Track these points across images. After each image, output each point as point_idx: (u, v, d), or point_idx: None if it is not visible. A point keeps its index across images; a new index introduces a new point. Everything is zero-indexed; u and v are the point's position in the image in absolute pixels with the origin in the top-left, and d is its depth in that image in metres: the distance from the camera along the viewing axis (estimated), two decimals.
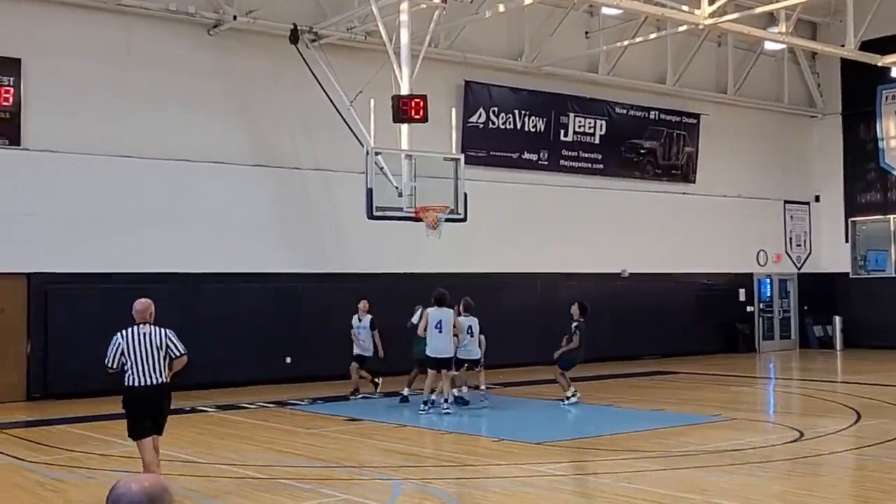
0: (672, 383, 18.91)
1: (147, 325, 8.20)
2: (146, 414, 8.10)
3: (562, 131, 22.75)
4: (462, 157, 16.39)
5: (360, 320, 16.43)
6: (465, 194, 16.06)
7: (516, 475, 9.72)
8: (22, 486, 9.33)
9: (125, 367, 8.08)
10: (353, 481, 9.42)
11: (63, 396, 15.86)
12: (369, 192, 15.14)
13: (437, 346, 14.10)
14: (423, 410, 13.95)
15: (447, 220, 15.76)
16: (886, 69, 22.49)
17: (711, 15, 18.56)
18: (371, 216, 15.22)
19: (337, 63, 18.17)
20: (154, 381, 8.04)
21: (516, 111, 22.04)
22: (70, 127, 16.58)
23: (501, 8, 19.58)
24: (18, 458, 10.69)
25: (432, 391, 14.17)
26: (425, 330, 14.21)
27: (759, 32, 20.45)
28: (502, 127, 21.84)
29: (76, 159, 16.62)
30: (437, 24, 17.22)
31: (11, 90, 16.08)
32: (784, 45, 22.84)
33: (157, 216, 17.27)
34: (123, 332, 8.17)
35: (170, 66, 17.64)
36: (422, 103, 15.49)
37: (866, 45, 22.69)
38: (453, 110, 16.60)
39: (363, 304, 16.48)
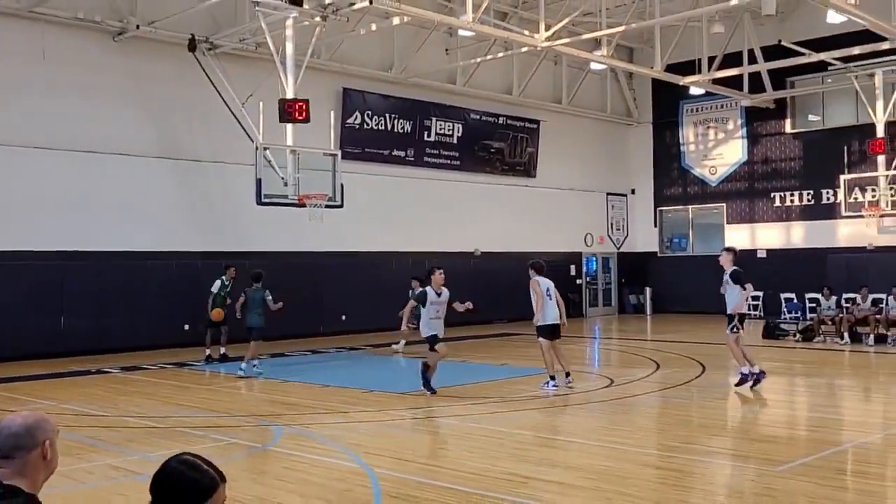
0: (515, 343, 19.37)
1: None
2: None
3: (425, 133, 22.89)
4: (339, 153, 16.28)
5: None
6: (342, 185, 15.96)
7: (381, 419, 9.84)
8: None
9: None
10: (240, 427, 9.33)
11: None
12: (258, 182, 14.92)
13: (552, 312, 11.76)
14: (550, 385, 11.56)
15: (326, 206, 15.70)
16: (686, 87, 23.57)
17: (548, 39, 19.08)
18: (259, 202, 15.02)
19: (231, 69, 17.73)
20: None
21: (387, 115, 22.05)
22: None
23: (374, 27, 19.66)
24: None
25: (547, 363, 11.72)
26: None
27: (586, 54, 21.05)
28: (375, 128, 21.81)
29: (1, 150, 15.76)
30: (318, 38, 17.02)
31: None
32: (605, 66, 23.52)
33: (72, 201, 16.56)
34: None
35: (81, 68, 16.87)
36: (304, 106, 15.29)
37: (671, 68, 23.77)
38: (332, 113, 16.43)
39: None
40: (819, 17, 20.18)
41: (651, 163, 28.36)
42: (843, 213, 21.95)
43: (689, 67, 23.15)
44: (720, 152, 26.69)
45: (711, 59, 22.72)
